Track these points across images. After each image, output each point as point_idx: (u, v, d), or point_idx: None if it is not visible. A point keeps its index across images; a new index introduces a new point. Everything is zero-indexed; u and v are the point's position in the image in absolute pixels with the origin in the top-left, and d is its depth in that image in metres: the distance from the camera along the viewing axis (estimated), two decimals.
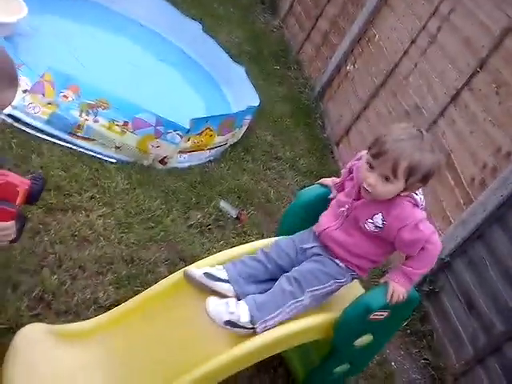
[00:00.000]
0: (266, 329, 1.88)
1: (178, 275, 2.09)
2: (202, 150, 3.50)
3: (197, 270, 2.01)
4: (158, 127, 3.09)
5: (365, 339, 2.07)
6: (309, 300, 1.95)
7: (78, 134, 3.02)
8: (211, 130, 3.45)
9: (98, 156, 3.09)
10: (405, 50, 4.34)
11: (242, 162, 3.88)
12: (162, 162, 3.29)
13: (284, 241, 2.11)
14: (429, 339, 3.32)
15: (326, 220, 2.06)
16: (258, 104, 4.03)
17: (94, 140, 3.06)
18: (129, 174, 3.10)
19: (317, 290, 1.96)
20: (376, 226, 1.89)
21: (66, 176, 2.85)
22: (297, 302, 1.93)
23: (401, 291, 1.92)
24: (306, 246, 2.06)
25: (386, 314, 1.94)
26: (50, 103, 2.98)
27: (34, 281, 2.31)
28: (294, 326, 1.94)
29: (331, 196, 2.16)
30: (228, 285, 1.98)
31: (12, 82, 1.41)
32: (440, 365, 3.20)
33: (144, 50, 4.45)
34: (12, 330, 2.06)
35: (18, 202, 1.46)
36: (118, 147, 3.10)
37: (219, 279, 1.98)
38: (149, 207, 3.00)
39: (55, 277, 2.37)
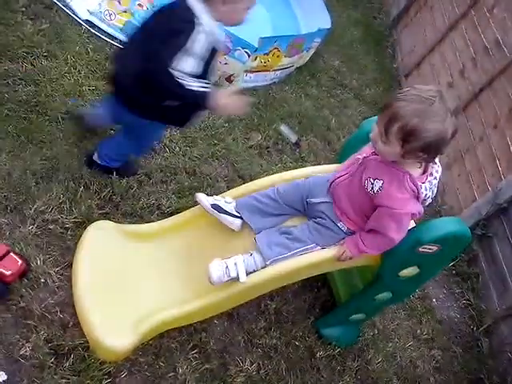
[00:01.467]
0: (276, 263, 1.98)
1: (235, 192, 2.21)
2: (268, 70, 3.48)
3: (206, 198, 2.10)
4: (226, 43, 3.08)
5: (411, 271, 2.13)
6: (320, 249, 2.03)
7: None
8: (279, 51, 3.41)
9: None
10: None
11: (307, 86, 3.85)
12: (229, 79, 3.31)
13: (300, 183, 2.13)
14: (474, 281, 3.36)
15: (341, 171, 2.06)
16: (329, 27, 3.90)
17: None
18: None
19: (326, 245, 2.04)
20: (372, 188, 1.88)
21: None
22: (309, 249, 2.01)
23: (349, 255, 2.00)
24: (314, 200, 2.07)
25: (435, 248, 1.97)
26: (125, 11, 3.02)
27: (103, 182, 2.47)
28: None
29: None
30: (232, 218, 2.08)
31: None
32: (481, 307, 3.24)
33: None
34: (84, 224, 2.26)
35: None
36: None
37: (225, 212, 2.07)
38: (213, 124, 3.08)
39: (124, 180, 2.52)
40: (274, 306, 2.50)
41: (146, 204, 2.52)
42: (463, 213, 3.49)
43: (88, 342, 1.97)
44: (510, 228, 3.25)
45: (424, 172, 1.89)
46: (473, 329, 3.16)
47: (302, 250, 2.01)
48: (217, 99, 1.96)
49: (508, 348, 3.00)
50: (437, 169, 1.93)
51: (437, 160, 1.91)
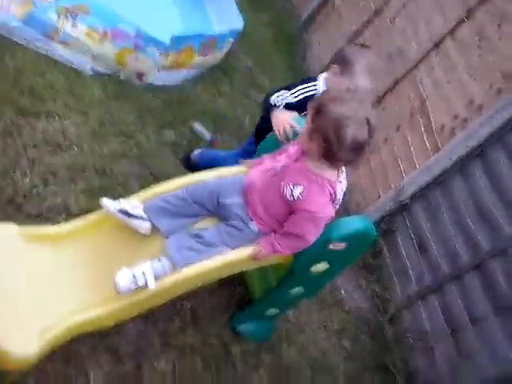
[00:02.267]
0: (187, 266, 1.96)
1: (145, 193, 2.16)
2: (181, 68, 3.45)
3: (112, 203, 2.04)
4: (137, 40, 3.02)
5: (321, 266, 2.21)
6: (230, 250, 2.03)
7: (55, 38, 2.92)
8: (192, 50, 3.39)
9: (74, 65, 3.02)
10: None
11: (220, 85, 3.86)
12: (140, 77, 3.25)
13: (211, 183, 2.12)
14: (378, 273, 3.56)
15: (256, 174, 2.09)
16: (241, 27, 3.95)
17: (69, 46, 2.97)
18: (105, 86, 3.06)
19: (236, 246, 2.04)
20: (292, 194, 1.93)
21: (40, 81, 2.79)
22: (219, 251, 2.00)
23: (264, 255, 2.05)
24: (226, 200, 2.07)
25: (344, 245, 2.07)
26: (25, 2, 2.85)
27: (5, 182, 2.32)
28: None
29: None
30: (140, 221, 2.04)
31: None
32: (386, 297, 3.44)
33: None
34: None
35: None
36: (95, 56, 3.02)
37: (133, 215, 2.03)
38: (123, 121, 3.00)
39: (27, 180, 2.38)
40: (189, 305, 2.48)
41: (53, 205, 2.40)
42: (368, 209, 3.68)
43: None
44: (411, 223, 3.48)
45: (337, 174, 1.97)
46: (378, 318, 3.34)
47: (213, 254, 2.00)
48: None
49: (409, 334, 3.22)
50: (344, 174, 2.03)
51: None
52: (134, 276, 1.88)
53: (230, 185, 2.11)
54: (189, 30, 3.43)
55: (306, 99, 2.33)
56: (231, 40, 3.88)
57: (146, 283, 1.88)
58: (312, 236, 1.99)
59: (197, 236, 2.00)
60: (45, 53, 2.94)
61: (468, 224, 3.03)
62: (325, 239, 2.02)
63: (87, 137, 2.76)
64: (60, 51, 2.96)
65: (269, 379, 2.55)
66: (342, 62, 2.41)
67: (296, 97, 2.44)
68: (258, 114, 3.89)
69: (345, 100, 1.82)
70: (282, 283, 2.41)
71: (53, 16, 2.88)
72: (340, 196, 1.99)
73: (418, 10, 3.95)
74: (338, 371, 2.90)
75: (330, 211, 1.96)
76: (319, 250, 2.07)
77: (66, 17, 2.89)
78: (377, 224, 3.55)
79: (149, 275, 1.89)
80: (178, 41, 3.20)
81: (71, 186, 2.53)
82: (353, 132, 1.76)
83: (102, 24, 2.94)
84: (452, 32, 3.51)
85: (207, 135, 3.35)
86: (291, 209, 1.97)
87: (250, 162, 2.26)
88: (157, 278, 1.91)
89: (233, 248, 2.03)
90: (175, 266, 1.93)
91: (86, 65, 3.04)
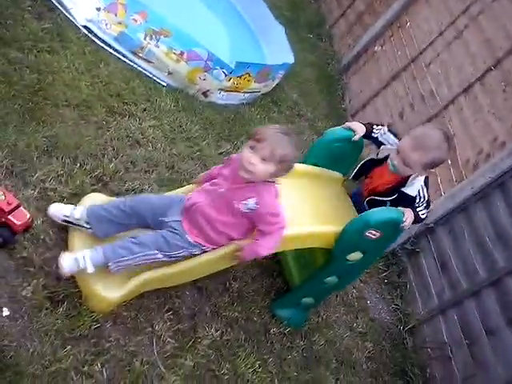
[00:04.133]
0: (119, 267, 2.20)
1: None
2: (239, 91, 3.95)
3: (56, 214, 2.32)
4: (208, 62, 3.53)
5: (356, 255, 2.57)
6: (162, 257, 2.26)
7: (140, 54, 3.47)
8: (250, 76, 3.89)
9: (153, 77, 3.54)
10: (431, 40, 4.75)
11: (270, 111, 4.34)
12: (205, 94, 3.74)
13: (156, 202, 2.37)
14: (402, 289, 3.86)
15: (198, 196, 2.35)
16: (292, 62, 4.45)
17: (151, 62, 3.50)
18: (176, 98, 3.56)
19: (169, 253, 2.28)
20: (248, 208, 2.22)
21: (125, 87, 3.31)
22: (150, 255, 2.23)
23: (244, 258, 2.37)
24: (165, 219, 2.30)
25: (378, 234, 2.43)
26: (120, 23, 3.41)
27: (96, 163, 2.78)
28: (305, 229, 2.45)
29: (354, 138, 2.64)
30: (84, 229, 2.31)
31: None
32: (407, 311, 3.74)
33: None
34: (78, 195, 2.55)
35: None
36: (171, 73, 3.55)
37: (77, 224, 2.31)
38: (189, 129, 3.47)
39: (112, 165, 2.84)
40: (236, 285, 2.85)
41: (131, 187, 2.84)
42: None
43: (81, 293, 2.24)
44: (435, 245, 3.81)
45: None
46: (400, 328, 3.62)
47: (144, 255, 2.22)
48: None
49: (428, 345, 3.50)
50: None
51: None
52: (75, 258, 2.15)
53: (175, 204, 2.36)
54: (248, 58, 3.93)
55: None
56: (282, 72, 4.39)
57: (86, 267, 2.15)
58: (282, 223, 2.29)
59: (132, 237, 2.25)
60: (131, 65, 3.47)
61: (487, 245, 3.36)
62: (363, 226, 2.38)
63: (160, 138, 3.23)
64: (143, 65, 3.49)
65: (301, 361, 2.87)
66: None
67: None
68: (299, 140, 4.37)
69: None
70: (319, 272, 2.77)
71: (141, 36, 3.43)
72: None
73: (450, 58, 4.41)
74: (361, 368, 3.20)
75: (279, 205, 2.29)
76: (357, 237, 2.43)
77: (151, 38, 3.43)
78: (403, 244, 3.92)
79: (87, 260, 2.15)
80: (240, 66, 3.70)
81: (146, 175, 2.98)
82: None
83: (179, 46, 3.47)
84: (480, 78, 3.94)
85: None
86: (251, 219, 2.28)
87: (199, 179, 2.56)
88: (95, 265, 2.17)
89: (166, 255, 2.26)
90: (107, 262, 2.18)
91: (163, 79, 3.55)
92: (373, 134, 2.74)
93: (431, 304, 3.65)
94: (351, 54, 5.91)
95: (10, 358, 1.96)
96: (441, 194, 3.85)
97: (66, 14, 3.40)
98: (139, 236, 2.26)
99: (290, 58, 4.44)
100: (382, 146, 2.72)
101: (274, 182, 2.29)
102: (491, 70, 3.91)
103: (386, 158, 2.64)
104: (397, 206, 2.53)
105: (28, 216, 2.23)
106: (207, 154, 3.42)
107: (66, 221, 2.34)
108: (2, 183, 2.40)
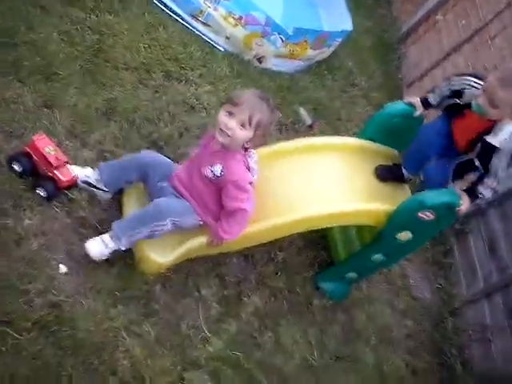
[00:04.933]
0: (131, 240, 2.22)
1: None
2: (294, 58, 3.87)
3: (80, 174, 2.35)
4: (266, 27, 3.47)
5: (406, 235, 2.54)
6: (171, 226, 2.25)
7: (199, 17, 3.44)
8: (307, 42, 3.80)
9: (210, 42, 3.51)
10: (499, 11, 4.49)
11: (324, 79, 4.25)
12: (260, 60, 3.69)
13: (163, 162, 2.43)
14: (447, 270, 3.80)
15: (182, 166, 2.39)
16: (351, 29, 4.31)
17: (210, 26, 3.47)
18: (231, 63, 3.54)
19: (178, 221, 2.26)
20: (214, 175, 2.20)
21: (183, 51, 3.30)
22: (159, 225, 2.22)
23: (217, 243, 2.34)
24: (162, 184, 2.35)
25: (432, 216, 2.38)
26: None
27: (152, 128, 2.82)
28: (349, 207, 2.45)
29: (415, 114, 2.56)
30: (101, 192, 2.38)
31: None
32: (451, 292, 3.69)
33: None
34: None
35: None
36: (228, 37, 3.51)
37: (95, 186, 2.37)
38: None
39: (167, 129, 2.87)
40: (281, 256, 2.88)
41: (184, 152, 2.87)
42: None
43: (134, 254, 2.32)
44: (484, 227, 3.72)
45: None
46: (441, 309, 3.60)
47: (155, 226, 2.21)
48: None
49: (470, 327, 3.47)
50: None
51: None
52: (102, 241, 2.20)
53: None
54: (306, 24, 3.82)
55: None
56: (339, 40, 4.26)
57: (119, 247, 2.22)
58: (246, 202, 2.24)
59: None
60: (190, 29, 3.45)
61: None
62: (418, 205, 2.34)
63: (215, 104, 3.22)
64: (201, 29, 3.47)
65: (341, 335, 2.91)
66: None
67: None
68: (352, 111, 4.30)
69: None
70: (366, 248, 2.76)
71: None
72: (255, 166, 2.29)
73: None
74: (399, 345, 3.21)
75: (248, 177, 2.25)
76: (409, 215, 2.38)
77: (211, 1, 3.38)
78: (452, 224, 3.84)
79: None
80: (298, 32, 3.62)
81: (198, 141, 2.99)
82: None
83: (238, 10, 3.42)
84: None
85: (308, 120, 3.74)
86: (218, 187, 2.24)
87: None
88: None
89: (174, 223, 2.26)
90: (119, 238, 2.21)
91: (220, 44, 3.52)
92: (430, 100, 2.55)
93: (476, 287, 3.59)
94: (411, 21, 5.66)
95: (67, 312, 2.07)
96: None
97: None
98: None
99: (348, 25, 4.30)
100: (466, 89, 2.38)
101: (248, 150, 2.25)
102: None
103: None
104: (483, 163, 2.30)
105: (74, 174, 2.29)
106: None
107: (86, 182, 2.37)
108: (63, 143, 2.47)
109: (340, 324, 2.93)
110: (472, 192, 2.44)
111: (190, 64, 3.28)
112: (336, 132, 3.97)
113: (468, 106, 2.35)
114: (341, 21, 4.34)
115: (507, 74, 2.21)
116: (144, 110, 2.84)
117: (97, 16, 3.04)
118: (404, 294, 3.47)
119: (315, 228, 2.66)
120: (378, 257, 2.74)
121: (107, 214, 2.40)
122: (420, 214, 2.37)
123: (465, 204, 2.39)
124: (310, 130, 3.75)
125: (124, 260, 2.31)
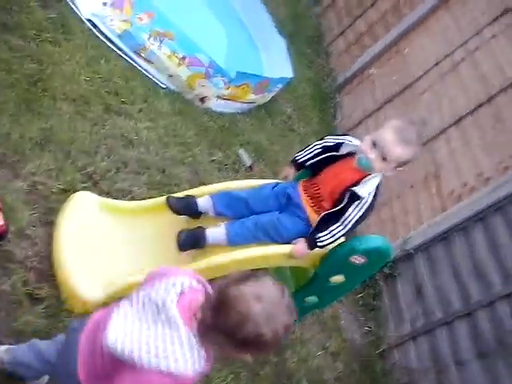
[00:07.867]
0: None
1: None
2: (235, 101, 3.95)
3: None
4: (209, 69, 3.53)
5: (339, 278, 2.60)
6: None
7: (142, 54, 3.45)
8: (248, 86, 3.90)
9: (153, 78, 3.53)
10: (427, 69, 4.84)
11: (263, 122, 4.36)
12: (202, 100, 3.74)
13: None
14: (376, 312, 3.91)
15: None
16: (291, 76, 4.48)
17: (153, 63, 3.49)
18: (173, 101, 3.55)
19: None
20: None
21: (124, 86, 3.29)
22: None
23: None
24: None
25: (363, 260, 2.47)
26: (125, 20, 3.39)
27: (88, 160, 2.76)
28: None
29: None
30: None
31: None
32: (380, 334, 3.79)
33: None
34: (67, 191, 2.53)
35: None
36: (171, 76, 3.54)
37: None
38: (183, 134, 3.46)
39: (104, 163, 2.82)
40: None
41: (121, 188, 2.83)
42: None
43: (61, 292, 2.22)
44: (412, 272, 3.88)
45: None
46: (370, 352, 3.67)
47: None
48: None
49: (398, 370, 3.55)
50: None
51: None
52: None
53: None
54: (248, 69, 3.93)
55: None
56: (280, 86, 4.41)
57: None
58: None
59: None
60: (132, 64, 3.45)
61: (463, 277, 3.43)
62: (349, 250, 2.41)
63: (154, 140, 3.22)
64: (144, 65, 3.48)
65: (273, 377, 2.88)
66: None
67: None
68: (290, 155, 4.41)
69: None
70: (300, 290, 2.79)
71: (145, 36, 3.42)
72: None
73: (444, 89, 4.49)
74: None
75: None
76: (341, 261, 2.46)
77: (155, 39, 3.42)
78: (381, 267, 3.97)
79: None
80: (240, 76, 3.71)
81: (137, 176, 2.96)
82: None
83: (182, 50, 3.47)
84: (472, 112, 4.03)
85: (248, 161, 3.80)
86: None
87: None
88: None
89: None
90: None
91: (162, 81, 3.54)
92: (298, 158, 2.59)
93: (403, 329, 3.71)
94: (347, 73, 5.97)
95: None
96: (421, 222, 3.92)
97: (72, 5, 3.37)
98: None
99: (289, 72, 4.47)
100: (344, 143, 2.38)
101: None
102: (483, 105, 4.00)
103: (349, 154, 2.35)
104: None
105: (1, 223, 2.16)
106: (199, 160, 3.42)
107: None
108: None
109: (272, 366, 2.91)
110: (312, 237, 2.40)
111: (131, 99, 3.27)
112: (275, 175, 4.06)
113: (343, 156, 2.37)
114: (282, 67, 4.51)
115: (402, 131, 2.19)
116: (81, 141, 2.78)
117: (37, 45, 2.99)
118: (336, 336, 3.51)
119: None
120: (311, 298, 2.78)
121: (35, 249, 2.29)
122: (351, 259, 2.44)
123: (299, 245, 2.38)
124: (249, 171, 3.81)
125: (50, 298, 2.20)
